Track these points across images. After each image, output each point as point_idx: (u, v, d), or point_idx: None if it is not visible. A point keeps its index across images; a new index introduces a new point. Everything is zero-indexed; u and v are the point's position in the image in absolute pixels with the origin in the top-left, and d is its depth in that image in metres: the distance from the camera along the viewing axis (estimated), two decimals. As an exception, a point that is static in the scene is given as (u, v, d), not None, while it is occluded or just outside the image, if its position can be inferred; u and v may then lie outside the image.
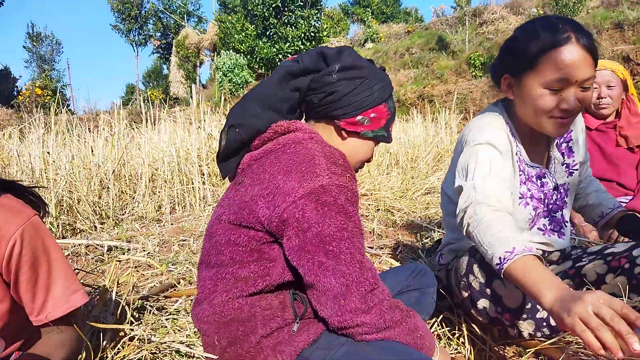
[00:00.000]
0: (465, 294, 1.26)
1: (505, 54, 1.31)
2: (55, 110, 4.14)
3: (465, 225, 1.14)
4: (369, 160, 1.21)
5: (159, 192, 3.99)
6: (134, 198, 3.94)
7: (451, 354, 1.32)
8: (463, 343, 1.34)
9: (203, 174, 4.13)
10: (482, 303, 1.22)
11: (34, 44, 24.14)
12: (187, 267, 2.23)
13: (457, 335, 1.40)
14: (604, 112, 2.33)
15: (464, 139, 1.35)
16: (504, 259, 1.00)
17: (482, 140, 1.26)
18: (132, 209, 3.78)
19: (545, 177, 1.41)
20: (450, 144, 6.40)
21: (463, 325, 1.38)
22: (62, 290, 0.99)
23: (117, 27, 25.35)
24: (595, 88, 2.29)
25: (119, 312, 1.33)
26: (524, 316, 1.19)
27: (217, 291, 1.05)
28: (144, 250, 2.60)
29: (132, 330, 1.25)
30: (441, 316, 1.47)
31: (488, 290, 1.20)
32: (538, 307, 1.18)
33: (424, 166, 5.14)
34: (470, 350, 1.31)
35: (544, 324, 1.20)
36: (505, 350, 1.33)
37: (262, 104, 1.09)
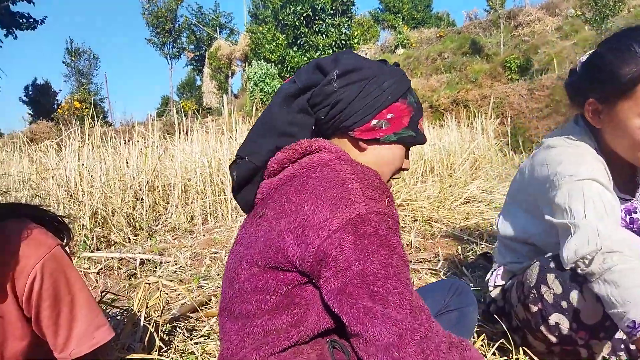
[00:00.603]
0: (535, 309, 1.12)
1: (592, 74, 1.14)
2: (91, 122, 4.20)
3: (591, 274, 0.98)
4: (404, 169, 1.06)
5: (191, 202, 3.98)
6: (167, 209, 3.94)
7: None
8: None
9: (235, 185, 4.10)
10: (555, 318, 1.08)
11: (73, 58, 25.07)
12: (219, 284, 2.17)
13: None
14: None
15: (552, 173, 1.15)
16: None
17: (585, 175, 1.09)
18: (165, 220, 3.78)
19: (636, 212, 1.24)
20: (487, 150, 6.19)
21: (520, 353, 1.24)
22: (86, 326, 0.93)
23: (151, 41, 26.06)
24: None
25: (147, 338, 1.27)
26: (601, 335, 1.05)
27: (245, 347, 0.93)
28: (176, 264, 2.57)
29: (160, 358, 1.18)
30: (496, 344, 1.34)
31: (564, 303, 1.06)
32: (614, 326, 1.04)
33: (461, 174, 4.97)
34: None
35: (622, 346, 1.08)
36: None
37: (269, 131, 0.97)
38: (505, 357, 1.32)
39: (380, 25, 24.63)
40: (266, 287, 0.90)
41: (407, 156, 1.05)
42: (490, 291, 1.41)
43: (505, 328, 1.30)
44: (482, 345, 1.38)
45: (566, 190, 1.09)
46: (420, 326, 0.82)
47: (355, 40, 18.51)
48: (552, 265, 1.10)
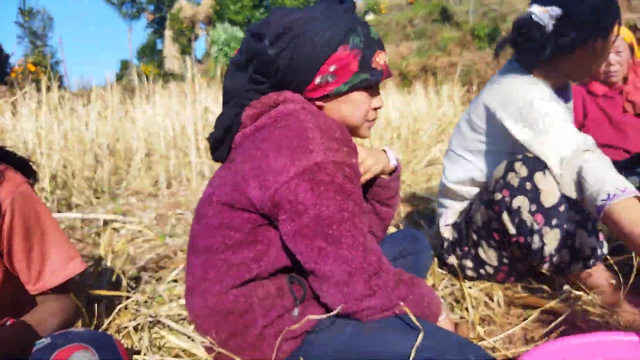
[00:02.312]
0: (499, 196, 1.23)
1: (601, 13, 1.28)
2: (48, 85, 4.05)
3: (571, 172, 1.15)
4: (377, 108, 1.05)
5: (154, 166, 3.94)
6: (129, 173, 3.89)
7: (455, 319, 1.30)
8: (467, 308, 1.32)
9: (199, 148, 4.07)
10: (518, 202, 1.19)
11: (26, 19, 23.65)
12: (185, 239, 2.20)
13: (460, 300, 1.38)
14: (613, 80, 2.26)
15: (508, 97, 1.32)
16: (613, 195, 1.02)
17: (542, 95, 1.28)
18: (128, 184, 3.73)
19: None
20: (454, 116, 6.32)
21: (466, 290, 1.35)
22: (59, 258, 0.95)
23: (109, 1, 24.82)
24: None
25: (114, 281, 1.30)
26: (554, 222, 1.17)
27: (207, 279, 0.98)
28: (141, 223, 2.57)
29: (128, 298, 1.22)
30: (445, 279, 1.45)
31: (528, 184, 1.18)
32: (569, 214, 1.17)
33: (426, 138, 5.08)
34: (475, 315, 1.29)
35: (568, 242, 1.19)
36: (510, 314, 1.31)
37: (231, 99, 1.01)
38: (454, 285, 1.43)
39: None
40: (232, 224, 0.95)
41: (374, 94, 1.04)
42: (441, 232, 1.50)
43: (458, 254, 1.41)
44: (433, 286, 1.48)
45: (532, 109, 1.25)
46: (369, 265, 0.88)
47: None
48: (519, 157, 1.23)
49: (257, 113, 0.98)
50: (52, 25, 24.73)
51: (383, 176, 1.18)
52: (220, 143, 1.02)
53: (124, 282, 1.23)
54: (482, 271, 1.39)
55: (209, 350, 0.99)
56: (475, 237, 1.36)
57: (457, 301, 1.39)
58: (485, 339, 1.18)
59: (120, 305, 1.18)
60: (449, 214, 1.50)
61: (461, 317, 1.31)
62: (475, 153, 1.46)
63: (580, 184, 1.12)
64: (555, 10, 1.28)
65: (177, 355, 1.06)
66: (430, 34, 15.68)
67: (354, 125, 1.04)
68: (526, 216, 1.19)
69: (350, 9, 1.01)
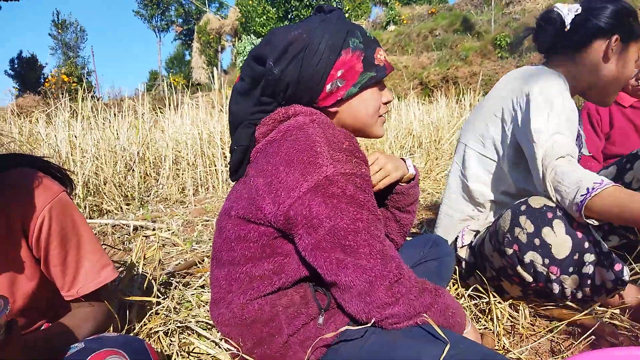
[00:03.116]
0: (510, 251, 1.22)
1: (622, 16, 1.35)
2: (82, 95, 4.20)
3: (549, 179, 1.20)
4: (387, 102, 1.08)
5: (182, 174, 4.03)
6: (158, 180, 3.99)
7: (480, 329, 1.29)
8: (492, 319, 1.31)
9: (225, 157, 4.15)
10: (530, 256, 1.19)
11: (59, 31, 24.51)
12: (211, 246, 2.24)
13: (486, 311, 1.38)
14: None
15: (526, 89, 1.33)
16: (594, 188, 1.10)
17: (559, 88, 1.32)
18: (157, 191, 3.82)
19: (579, 137, 1.46)
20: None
21: (492, 300, 1.34)
22: (92, 265, 0.99)
23: (139, 14, 25.53)
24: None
25: (145, 286, 1.34)
26: (570, 269, 1.16)
27: (232, 291, 1.01)
28: (169, 230, 2.63)
29: (159, 303, 1.26)
30: (470, 288, 1.44)
31: (537, 241, 1.17)
32: (585, 259, 1.16)
33: (448, 147, 5.05)
34: (500, 326, 1.28)
35: (588, 282, 1.18)
36: (536, 326, 1.30)
37: (239, 125, 1.03)
38: (476, 303, 1.42)
39: (372, 1, 24.32)
40: (249, 236, 0.98)
41: (382, 89, 1.08)
42: (457, 252, 1.50)
43: (480, 275, 1.40)
44: (457, 295, 1.48)
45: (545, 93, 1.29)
46: (389, 273, 0.90)
47: (347, 15, 18.27)
48: (522, 208, 1.21)
49: (268, 130, 1.00)
50: (84, 37, 25.53)
51: (402, 183, 1.20)
52: (240, 165, 1.05)
53: (155, 288, 1.27)
54: (506, 295, 1.38)
55: (235, 357, 1.01)
56: (494, 273, 1.35)
57: (482, 311, 1.39)
58: (511, 350, 1.18)
59: (151, 311, 1.22)
60: (465, 232, 1.49)
61: (486, 328, 1.30)
62: (491, 144, 1.46)
63: (557, 189, 1.18)
64: (576, 6, 1.38)
65: (206, 360, 1.09)
66: (451, 44, 15.60)
67: (369, 124, 1.06)
68: (541, 269, 1.19)
69: (342, 16, 1.04)
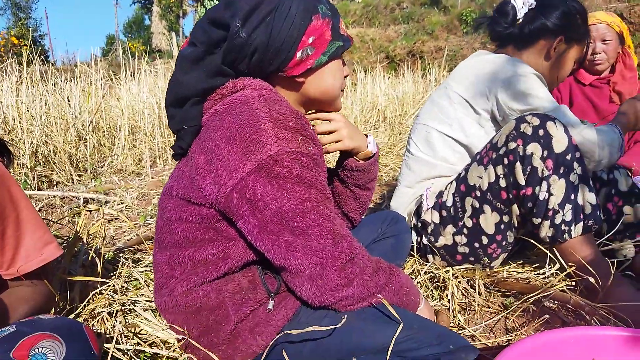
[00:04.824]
0: (513, 145, 1.28)
1: (570, 18, 1.49)
2: (30, 59, 3.93)
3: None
4: (345, 77, 1.04)
5: (139, 145, 3.87)
6: (112, 151, 3.81)
7: (435, 307, 1.29)
8: (447, 296, 1.31)
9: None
10: (531, 148, 1.25)
11: (9, -11, 22.94)
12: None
13: (441, 287, 1.38)
14: (598, 68, 2.26)
15: (498, 72, 1.46)
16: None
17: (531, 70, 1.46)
18: (111, 162, 3.66)
19: None
20: (439, 101, 6.29)
21: (449, 279, 1.35)
22: (34, 242, 0.91)
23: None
24: (590, 43, 2.21)
25: (89, 264, 1.27)
26: (561, 171, 1.25)
27: (175, 277, 0.95)
28: (122, 203, 2.52)
29: (103, 283, 1.19)
30: (425, 268, 1.44)
31: (541, 131, 1.25)
32: (574, 167, 1.26)
33: (412, 122, 5.06)
34: (455, 303, 1.28)
35: (571, 196, 1.25)
36: (491, 302, 1.31)
37: (184, 101, 0.92)
38: (434, 278, 1.42)
39: (340, -30, 23.86)
40: (190, 218, 0.92)
41: (343, 63, 1.03)
42: (424, 218, 1.49)
43: (451, 232, 1.42)
44: (413, 272, 1.48)
45: (527, 80, 1.42)
46: (341, 253, 0.85)
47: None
48: (527, 114, 1.31)
49: (214, 105, 0.93)
50: (35, -4, 24.00)
51: (358, 158, 1.16)
52: (188, 147, 0.95)
53: (99, 266, 1.19)
54: (476, 244, 1.39)
55: (182, 346, 0.96)
56: (477, 204, 1.37)
57: (437, 288, 1.39)
58: (465, 328, 1.18)
59: (95, 291, 1.15)
60: (429, 196, 1.49)
61: (442, 305, 1.31)
62: (460, 126, 1.53)
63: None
64: (531, 1, 1.51)
65: (152, 343, 1.04)
66: (418, 17, 15.56)
67: (334, 96, 1.02)
68: (537, 162, 1.25)
69: None
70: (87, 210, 1.47)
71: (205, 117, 0.93)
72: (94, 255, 1.24)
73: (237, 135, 0.84)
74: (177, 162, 1.00)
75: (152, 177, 3.33)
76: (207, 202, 0.89)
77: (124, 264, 1.45)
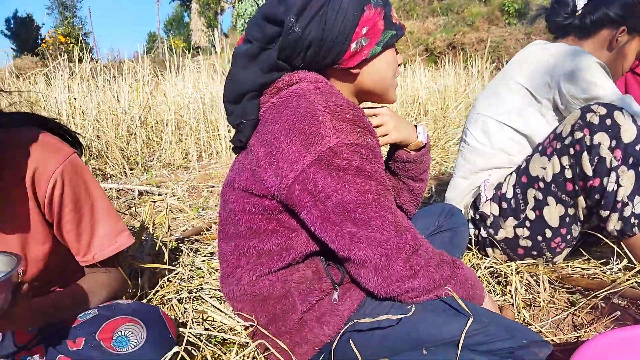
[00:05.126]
0: (580, 134, 1.25)
1: (632, 9, 1.46)
2: (79, 57, 4.08)
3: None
4: (400, 64, 1.04)
5: (185, 139, 3.97)
6: (160, 145, 3.92)
7: (498, 302, 1.27)
8: (510, 292, 1.29)
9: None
10: (598, 138, 1.22)
11: (55, -11, 23.86)
12: (218, 212, 2.21)
13: (502, 282, 1.35)
14: None
15: (561, 60, 1.42)
16: None
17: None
18: (160, 156, 3.77)
19: None
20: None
21: (513, 275, 1.32)
22: (108, 231, 0.95)
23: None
24: None
25: (154, 252, 1.31)
26: (630, 161, 1.21)
27: (241, 266, 0.97)
28: (174, 195, 2.60)
29: (170, 270, 1.23)
30: (486, 262, 1.41)
31: (608, 121, 1.22)
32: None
33: (456, 115, 4.97)
34: (519, 298, 1.26)
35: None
36: (556, 298, 1.27)
37: (242, 96, 0.94)
38: (497, 276, 1.39)
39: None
40: (253, 210, 0.93)
41: (396, 52, 1.03)
42: (482, 210, 1.46)
43: (511, 225, 1.39)
44: (473, 266, 1.45)
45: (590, 68, 1.38)
46: (405, 244, 0.85)
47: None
48: (592, 102, 1.28)
49: (270, 99, 0.94)
50: (80, -5, 24.86)
51: (410, 150, 1.15)
52: (248, 140, 0.97)
53: (166, 255, 1.23)
54: (539, 238, 1.36)
55: (249, 332, 0.98)
56: (540, 196, 1.33)
57: (499, 283, 1.36)
58: (532, 324, 1.15)
59: (163, 278, 1.18)
60: (487, 188, 1.46)
61: (504, 301, 1.28)
62: (519, 115, 1.49)
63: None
64: None
65: (221, 329, 1.06)
66: (457, 9, 15.20)
67: (389, 86, 1.01)
68: (605, 152, 1.21)
69: None
70: (152, 201, 1.52)
71: (262, 110, 0.94)
72: (161, 244, 1.28)
73: (295, 127, 0.85)
74: (236, 155, 1.03)
75: (199, 171, 3.41)
76: (269, 194, 0.90)
77: (186, 253, 1.49)
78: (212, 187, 2.86)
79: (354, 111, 0.89)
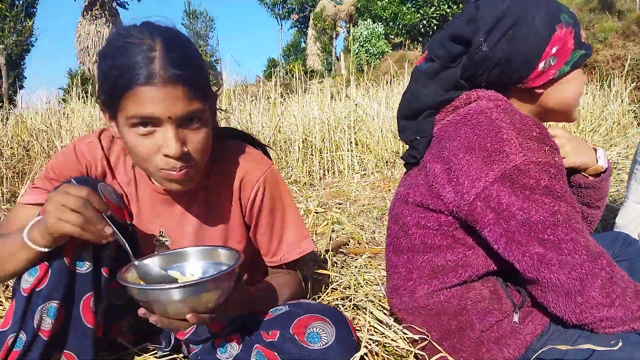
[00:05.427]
0: None
1: None
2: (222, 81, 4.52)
3: None
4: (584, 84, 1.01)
5: (310, 157, 4.16)
6: (288, 163, 4.16)
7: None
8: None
9: (351, 142, 4.20)
10: None
11: (191, 21, 26.52)
12: (351, 229, 2.28)
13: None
14: None
15: None
16: None
17: None
18: (287, 174, 4.00)
19: None
20: (622, 115, 5.57)
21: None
22: (295, 235, 1.06)
23: (263, 1, 26.68)
24: None
25: (320, 260, 1.40)
26: None
27: (413, 279, 0.99)
28: (308, 210, 2.73)
29: (335, 279, 1.31)
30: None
31: None
32: None
33: (596, 139, 4.58)
34: None
35: None
36: None
37: (420, 113, 0.97)
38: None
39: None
40: (428, 224, 0.95)
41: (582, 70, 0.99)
42: None
43: None
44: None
45: None
46: (602, 270, 0.81)
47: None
48: None
49: (446, 117, 0.96)
50: (212, 26, 27.38)
51: (586, 174, 1.09)
52: (421, 157, 1.00)
53: (329, 263, 1.31)
54: None
55: (416, 345, 1.00)
56: None
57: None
58: None
59: (331, 286, 1.27)
60: None
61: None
62: None
63: None
64: None
65: (392, 339, 1.10)
66: (587, 24, 14.07)
67: (573, 106, 0.98)
68: None
69: None
70: (315, 212, 1.64)
71: (436, 127, 0.97)
72: (324, 253, 1.38)
73: (476, 145, 0.86)
74: (406, 171, 1.07)
75: (324, 189, 3.55)
76: (447, 210, 0.92)
77: (342, 266, 1.57)
78: (340, 204, 2.96)
79: (540, 129, 0.88)
